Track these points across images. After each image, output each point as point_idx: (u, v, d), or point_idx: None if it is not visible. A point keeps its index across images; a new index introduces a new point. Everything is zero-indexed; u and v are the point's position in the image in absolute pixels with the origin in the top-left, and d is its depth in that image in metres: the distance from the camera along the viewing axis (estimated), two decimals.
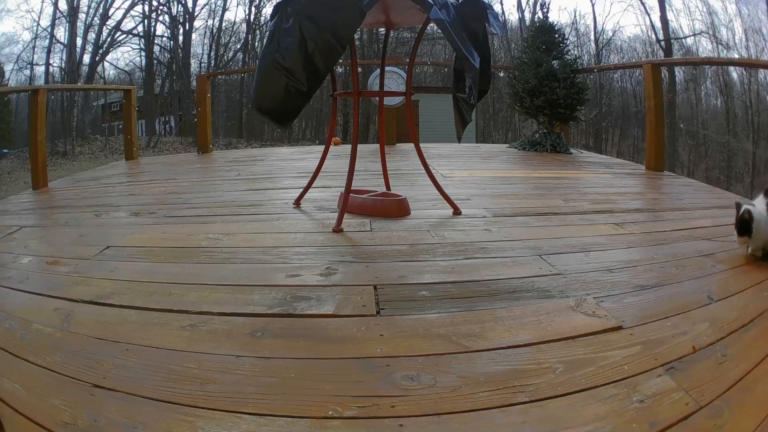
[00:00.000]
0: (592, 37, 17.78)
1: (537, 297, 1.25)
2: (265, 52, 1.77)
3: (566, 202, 2.37)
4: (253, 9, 18.15)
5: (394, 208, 2.06)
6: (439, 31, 1.74)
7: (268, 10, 16.78)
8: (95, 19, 16.75)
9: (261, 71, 1.77)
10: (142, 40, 17.56)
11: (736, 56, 14.98)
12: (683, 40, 16.10)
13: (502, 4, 17.29)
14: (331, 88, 2.36)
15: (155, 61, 17.90)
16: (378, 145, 2.50)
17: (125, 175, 3.78)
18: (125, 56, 18.97)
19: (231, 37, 18.54)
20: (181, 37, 17.79)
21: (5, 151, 14.07)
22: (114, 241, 1.79)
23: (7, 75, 15.97)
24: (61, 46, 16.26)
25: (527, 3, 17.76)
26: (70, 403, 0.84)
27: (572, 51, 5.97)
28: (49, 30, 16.00)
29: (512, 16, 19.41)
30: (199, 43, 18.09)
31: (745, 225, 1.50)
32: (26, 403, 0.84)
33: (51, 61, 16.23)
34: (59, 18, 16.09)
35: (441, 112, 10.28)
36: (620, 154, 14.99)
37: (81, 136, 16.32)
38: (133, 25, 17.50)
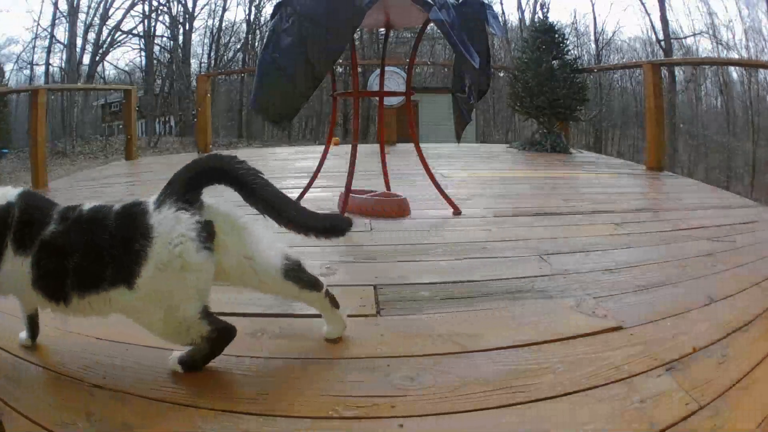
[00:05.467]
0: (592, 37, 17.77)
1: (537, 297, 1.25)
2: (264, 53, 1.77)
3: (566, 202, 2.37)
4: (253, 9, 18.13)
5: (394, 209, 2.05)
6: (439, 31, 1.74)
7: (268, 10, 16.77)
8: (95, 19, 16.74)
9: (260, 72, 1.77)
10: (142, 40, 17.55)
11: (736, 56, 14.97)
12: (683, 40, 16.10)
13: (502, 4, 17.25)
14: (331, 87, 2.36)
15: (155, 61, 17.89)
16: (378, 145, 2.50)
17: (125, 175, 3.78)
18: (125, 56, 18.98)
19: (231, 37, 18.52)
20: (181, 37, 17.78)
21: (5, 151, 14.05)
22: None
23: (7, 75, 15.96)
24: (61, 46, 16.25)
25: (527, 3, 17.74)
26: (70, 403, 0.84)
27: (572, 51, 5.97)
28: (49, 30, 16.00)
29: (512, 16, 19.43)
30: (199, 43, 18.07)
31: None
32: (26, 403, 0.84)
33: (51, 61, 16.23)
34: (59, 18, 16.09)
35: (441, 112, 10.27)
36: (620, 154, 14.97)
37: (81, 136, 16.30)
38: (133, 25, 17.49)
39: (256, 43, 17.75)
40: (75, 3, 16.12)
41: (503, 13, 17.45)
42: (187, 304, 0.83)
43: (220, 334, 0.88)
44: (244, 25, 18.25)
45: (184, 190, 0.82)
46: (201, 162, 0.84)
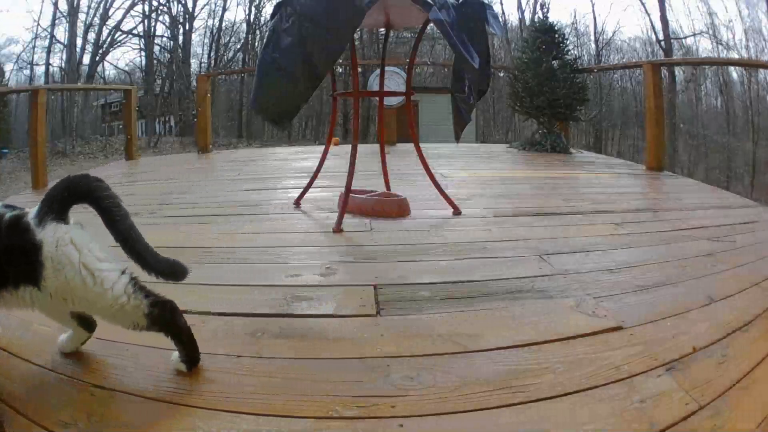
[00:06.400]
0: (592, 37, 17.77)
1: (537, 297, 1.25)
2: (264, 53, 1.77)
3: (566, 202, 2.37)
4: (253, 9, 18.14)
5: (394, 209, 2.06)
6: (439, 31, 1.74)
7: (268, 10, 16.77)
8: (95, 19, 16.75)
9: (260, 72, 1.77)
10: (142, 40, 17.56)
11: (736, 56, 14.97)
12: (683, 40, 16.10)
13: (502, 4, 17.26)
14: (331, 88, 2.36)
15: (155, 61, 17.90)
16: (378, 145, 2.50)
17: (125, 175, 3.78)
18: (125, 56, 18.99)
19: (231, 37, 18.53)
20: (181, 37, 17.79)
21: (5, 151, 14.05)
22: (114, 241, 1.78)
23: (7, 75, 15.96)
24: (61, 46, 16.25)
25: (527, 3, 17.73)
26: (70, 403, 0.84)
27: (572, 51, 5.97)
28: (49, 30, 16.00)
29: (512, 16, 19.43)
30: (199, 43, 18.08)
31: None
32: (26, 403, 0.84)
33: (51, 61, 16.23)
34: (59, 18, 16.09)
35: (441, 112, 10.27)
36: (620, 154, 14.97)
37: (81, 136, 16.31)
38: (133, 25, 17.50)
39: (256, 43, 17.76)
40: (75, 3, 16.12)
41: (503, 13, 17.47)
42: (101, 279, 0.88)
43: (161, 308, 0.90)
44: (244, 25, 18.27)
45: (60, 208, 0.90)
46: (73, 183, 0.92)
